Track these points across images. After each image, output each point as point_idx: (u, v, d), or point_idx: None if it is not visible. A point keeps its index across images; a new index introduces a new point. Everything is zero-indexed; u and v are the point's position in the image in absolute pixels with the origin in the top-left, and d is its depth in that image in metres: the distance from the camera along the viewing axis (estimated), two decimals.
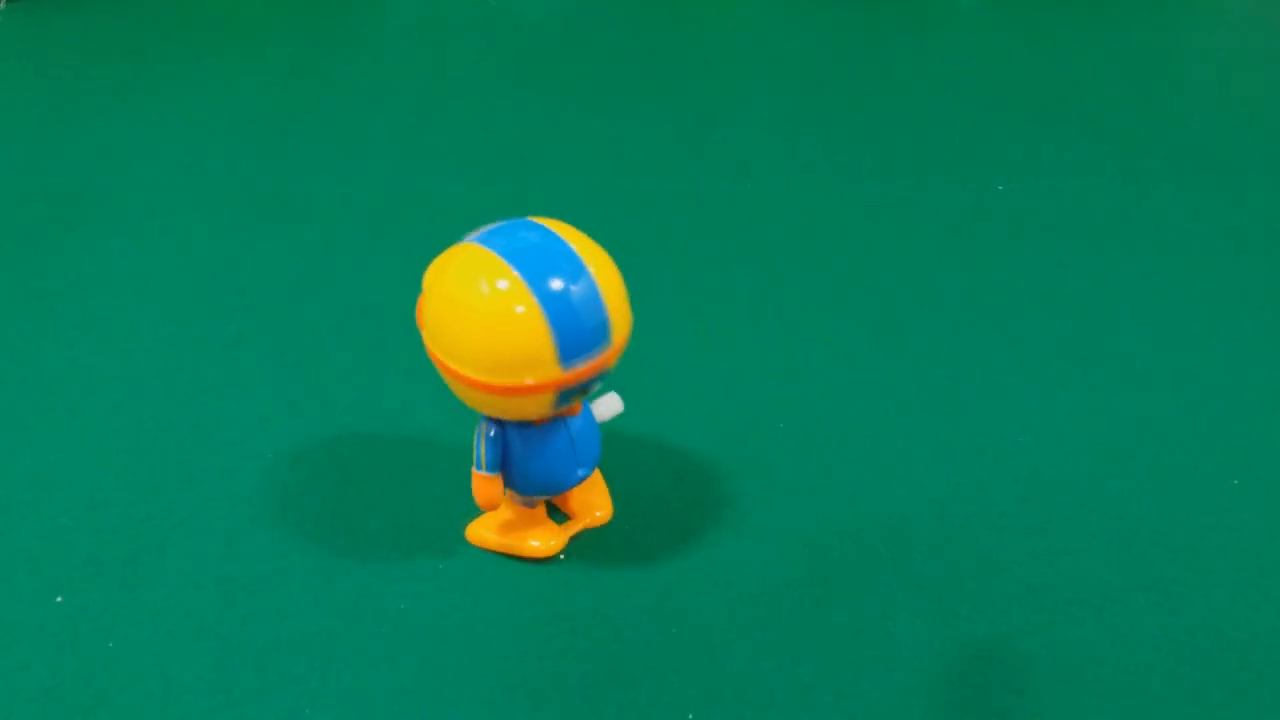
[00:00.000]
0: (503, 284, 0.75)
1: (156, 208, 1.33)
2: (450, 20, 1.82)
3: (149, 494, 0.94)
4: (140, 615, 0.84)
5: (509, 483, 0.85)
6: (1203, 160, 1.43)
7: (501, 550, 0.89)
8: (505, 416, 0.81)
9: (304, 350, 1.10)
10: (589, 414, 0.87)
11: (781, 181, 1.39)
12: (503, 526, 0.89)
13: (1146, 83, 1.62)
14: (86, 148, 1.46)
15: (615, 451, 0.98)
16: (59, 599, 0.85)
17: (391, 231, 1.29)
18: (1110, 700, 0.78)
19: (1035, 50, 1.71)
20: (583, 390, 0.80)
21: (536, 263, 0.76)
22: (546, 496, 0.87)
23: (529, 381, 0.76)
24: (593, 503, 0.92)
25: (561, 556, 0.89)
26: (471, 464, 0.84)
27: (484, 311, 0.75)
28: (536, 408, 0.79)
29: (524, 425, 0.83)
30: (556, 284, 0.75)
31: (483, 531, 0.90)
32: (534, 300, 0.74)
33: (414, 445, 0.90)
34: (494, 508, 0.85)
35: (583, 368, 0.77)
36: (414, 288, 0.85)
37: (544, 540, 0.88)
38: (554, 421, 0.83)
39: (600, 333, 0.77)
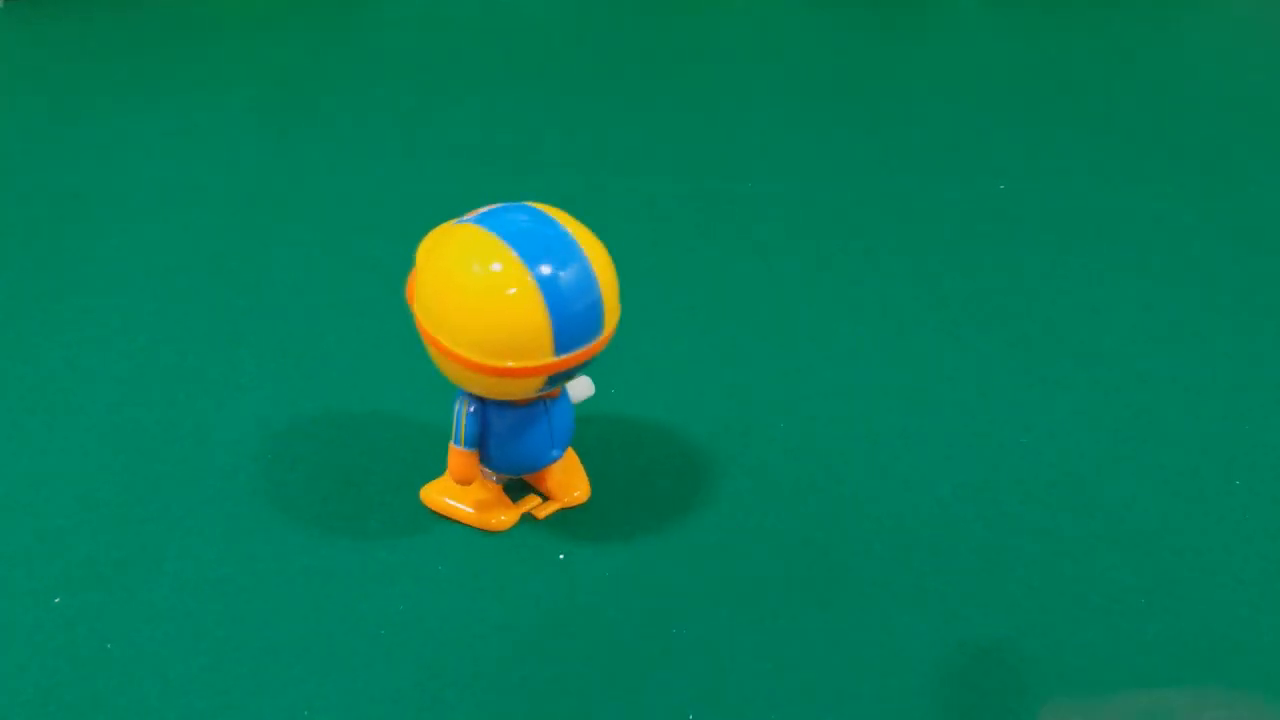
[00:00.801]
0: (501, 267, 0.75)
1: (156, 207, 1.33)
2: (450, 17, 1.82)
3: (147, 494, 0.94)
4: (138, 616, 0.84)
5: (485, 459, 0.87)
6: (1204, 160, 1.43)
7: (453, 516, 0.90)
8: (490, 396, 0.83)
9: (304, 350, 1.10)
10: (564, 395, 0.89)
11: (782, 181, 1.39)
12: (459, 496, 0.90)
13: (1148, 82, 1.62)
14: (86, 148, 1.46)
15: (615, 452, 0.98)
16: (56, 600, 0.85)
17: (392, 231, 1.29)
18: (1111, 701, 0.78)
19: (1037, 49, 1.71)
20: (570, 375, 0.81)
21: (536, 247, 0.76)
22: (521, 475, 0.89)
23: (523, 364, 0.77)
24: (570, 483, 0.93)
25: (562, 556, 0.89)
26: (450, 438, 0.85)
27: (487, 294, 0.76)
28: (523, 389, 0.80)
29: (504, 404, 0.84)
30: (556, 270, 0.76)
31: (436, 496, 0.91)
32: (534, 285, 0.75)
33: (414, 446, 0.89)
34: (469, 483, 0.87)
35: (576, 353, 0.78)
36: None
37: (496, 514, 0.90)
38: (534, 402, 0.85)
39: (594, 320, 0.78)
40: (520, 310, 0.75)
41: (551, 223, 0.79)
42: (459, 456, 0.85)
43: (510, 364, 0.77)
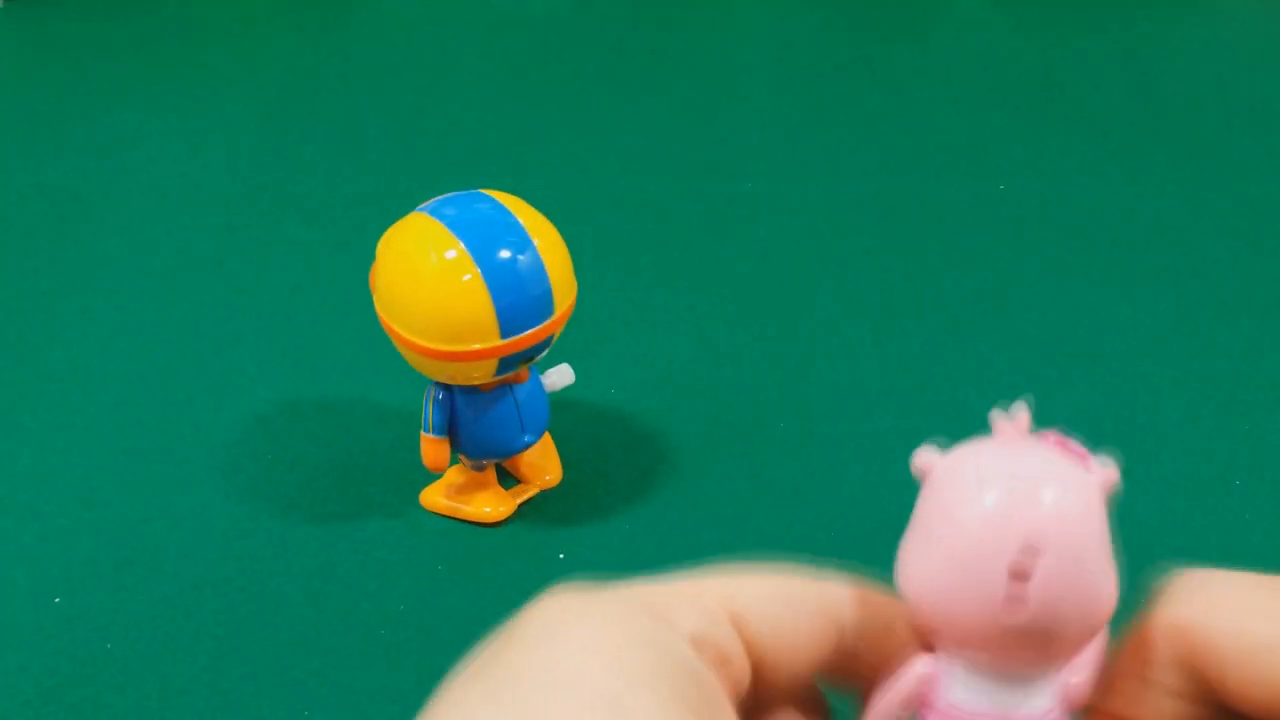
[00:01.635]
0: (449, 254, 0.79)
1: (156, 207, 1.33)
2: (450, 18, 1.82)
3: (147, 494, 0.94)
4: (138, 617, 0.84)
5: (456, 445, 0.89)
6: (1204, 160, 1.43)
7: (451, 514, 0.92)
8: (450, 381, 0.85)
9: (304, 350, 1.10)
10: (537, 383, 0.90)
11: (782, 180, 1.39)
12: (455, 492, 0.92)
13: (1149, 81, 1.62)
14: (86, 148, 1.46)
15: (613, 452, 0.98)
16: (56, 600, 0.85)
17: None
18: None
19: (1037, 48, 1.71)
20: (526, 358, 0.83)
21: (482, 234, 0.79)
22: (494, 460, 0.91)
23: (470, 348, 0.79)
24: (543, 467, 0.95)
25: (562, 556, 0.89)
26: (419, 427, 0.87)
27: (427, 278, 0.79)
28: (479, 373, 0.83)
29: (471, 390, 0.86)
30: (500, 254, 0.79)
31: (435, 497, 0.93)
32: (476, 269, 0.78)
33: (414, 446, 0.90)
34: (440, 469, 0.89)
35: (523, 336, 0.80)
36: None
37: (494, 505, 0.91)
38: (500, 388, 0.87)
39: (543, 303, 0.81)
40: (462, 293, 0.78)
41: (498, 206, 0.82)
42: (428, 443, 0.87)
43: (457, 347, 0.79)
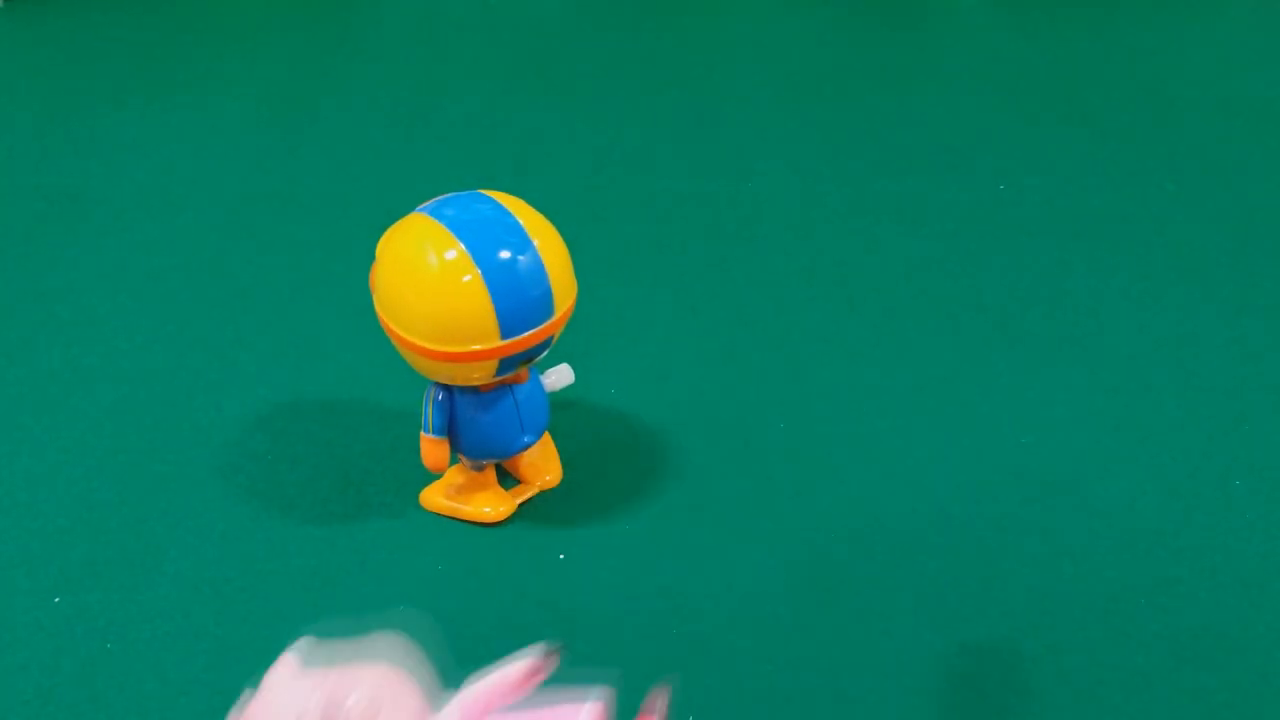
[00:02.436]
0: (449, 254, 0.78)
1: (156, 208, 1.33)
2: (450, 19, 1.82)
3: (147, 494, 0.94)
4: (138, 616, 0.84)
5: (457, 446, 0.88)
6: (1205, 160, 1.43)
7: (452, 514, 0.91)
8: (451, 382, 0.85)
9: (303, 350, 1.10)
10: (537, 383, 0.90)
11: (782, 181, 1.39)
12: (454, 492, 0.92)
13: (1148, 82, 1.62)
14: (86, 148, 1.46)
15: (614, 452, 0.98)
16: (56, 600, 0.85)
17: None
18: (1112, 701, 0.78)
19: (1037, 49, 1.71)
20: (526, 359, 0.82)
21: (482, 234, 0.79)
22: (494, 460, 0.91)
23: (470, 348, 0.79)
24: (542, 468, 0.95)
25: (562, 556, 0.89)
26: (420, 428, 0.87)
27: (427, 279, 0.78)
28: (479, 374, 0.82)
29: (471, 391, 0.86)
30: (500, 255, 0.78)
31: (435, 497, 0.92)
32: (476, 270, 0.78)
33: (414, 446, 0.89)
34: (440, 469, 0.89)
35: (523, 337, 0.80)
36: None
37: (494, 506, 0.91)
38: (500, 388, 0.86)
39: (543, 304, 0.80)
40: (463, 293, 0.78)
41: (499, 208, 0.82)
42: (428, 443, 0.87)
43: (457, 348, 0.79)
